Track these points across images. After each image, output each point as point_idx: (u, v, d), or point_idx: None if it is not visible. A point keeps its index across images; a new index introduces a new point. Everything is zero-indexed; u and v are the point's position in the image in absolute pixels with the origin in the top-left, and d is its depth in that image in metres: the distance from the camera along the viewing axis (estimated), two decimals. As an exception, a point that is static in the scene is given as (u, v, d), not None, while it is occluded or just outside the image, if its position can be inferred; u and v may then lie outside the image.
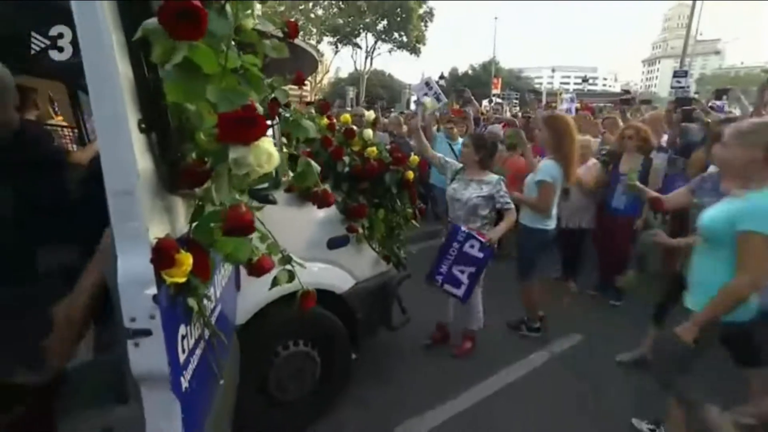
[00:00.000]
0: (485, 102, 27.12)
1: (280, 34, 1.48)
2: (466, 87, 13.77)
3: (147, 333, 0.93)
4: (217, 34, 0.93)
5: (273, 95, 1.63)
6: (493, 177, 2.87)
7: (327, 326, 2.33)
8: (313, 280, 2.30)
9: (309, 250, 2.24)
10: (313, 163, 1.38)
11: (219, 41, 1.01)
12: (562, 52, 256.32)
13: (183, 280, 0.93)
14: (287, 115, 1.96)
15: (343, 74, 48.82)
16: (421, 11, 30.62)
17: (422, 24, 31.22)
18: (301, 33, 28.79)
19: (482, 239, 2.74)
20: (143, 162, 0.92)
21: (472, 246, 2.75)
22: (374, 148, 2.37)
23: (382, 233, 2.45)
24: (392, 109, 23.88)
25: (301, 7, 30.35)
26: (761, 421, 2.18)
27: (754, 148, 1.75)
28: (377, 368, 2.88)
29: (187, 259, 0.92)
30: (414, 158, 2.66)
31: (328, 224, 2.31)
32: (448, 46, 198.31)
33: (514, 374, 2.88)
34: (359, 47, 32.81)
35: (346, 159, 2.33)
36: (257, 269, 1.19)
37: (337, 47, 32.51)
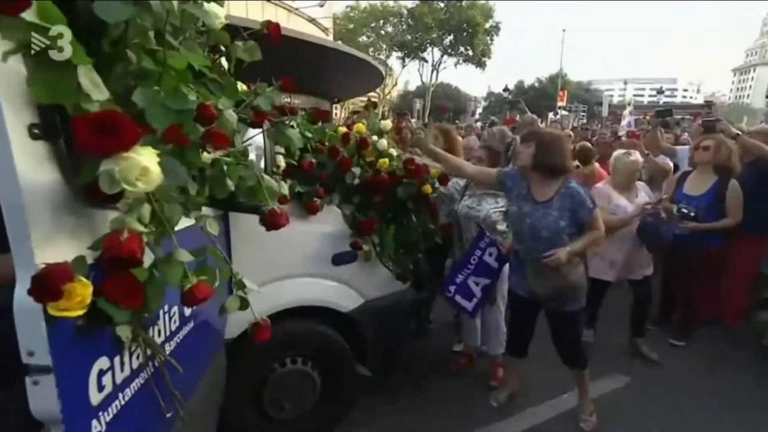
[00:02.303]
0: (550, 114, 25.77)
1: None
2: (520, 99, 13.00)
3: (47, 370, 0.77)
4: (108, 22, 0.75)
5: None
6: None
7: (328, 346, 2.10)
8: (315, 297, 2.10)
9: (311, 265, 2.04)
10: (268, 179, 1.17)
11: (129, 33, 0.83)
12: (638, 63, 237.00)
13: (78, 313, 0.75)
14: (290, 122, 1.78)
15: (412, 87, 49.16)
16: (487, 26, 29.84)
17: (488, 38, 30.41)
18: (371, 49, 29.30)
19: (501, 249, 2.42)
20: (37, 172, 0.75)
21: (490, 254, 2.43)
22: (386, 160, 2.11)
23: (392, 250, 2.18)
24: (457, 121, 23.47)
25: (372, 25, 30.98)
26: None
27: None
28: (391, 391, 2.60)
29: (83, 290, 0.74)
30: (435, 170, 2.36)
31: (334, 239, 2.08)
32: (515, 59, 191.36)
33: (542, 416, 2.44)
34: (426, 61, 32.79)
35: (357, 171, 2.10)
36: (189, 298, 0.98)
37: (404, 61, 32.73)
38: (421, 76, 35.84)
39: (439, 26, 29.49)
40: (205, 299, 0.99)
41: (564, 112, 27.49)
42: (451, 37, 30.52)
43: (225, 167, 1.09)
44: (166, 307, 1.15)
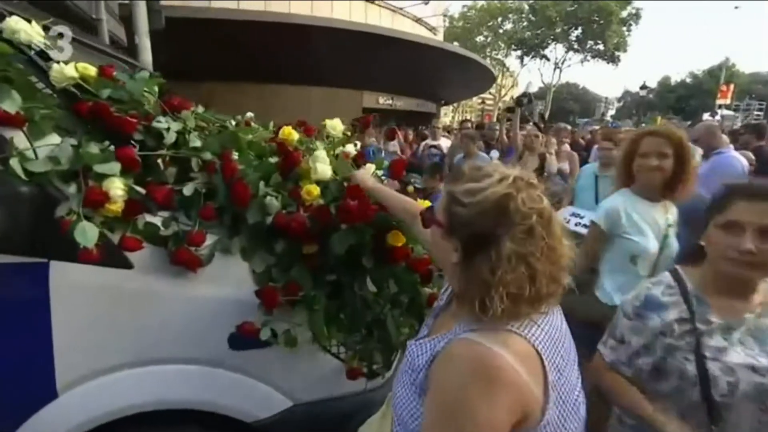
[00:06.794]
0: (706, 116, 21.26)
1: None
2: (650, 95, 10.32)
3: None
4: None
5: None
6: None
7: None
8: (186, 397, 1.29)
9: (189, 346, 1.28)
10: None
11: None
12: None
13: None
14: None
15: (534, 88, 45.68)
16: (624, 14, 25.45)
17: (624, 29, 25.98)
18: (488, 49, 27.99)
19: None
20: None
21: None
22: (315, 187, 1.24)
23: (324, 333, 1.30)
24: (579, 124, 20.48)
25: (489, 23, 29.15)
26: None
27: None
28: None
29: None
30: (424, 203, 1.40)
31: (234, 309, 1.29)
32: (660, 52, 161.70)
33: None
34: (547, 59, 29.65)
35: (276, 202, 1.27)
36: None
37: (522, 60, 30.15)
38: (541, 75, 32.74)
39: (564, 19, 26.18)
40: None
41: (727, 112, 22.27)
42: (578, 31, 26.91)
43: None
44: None
